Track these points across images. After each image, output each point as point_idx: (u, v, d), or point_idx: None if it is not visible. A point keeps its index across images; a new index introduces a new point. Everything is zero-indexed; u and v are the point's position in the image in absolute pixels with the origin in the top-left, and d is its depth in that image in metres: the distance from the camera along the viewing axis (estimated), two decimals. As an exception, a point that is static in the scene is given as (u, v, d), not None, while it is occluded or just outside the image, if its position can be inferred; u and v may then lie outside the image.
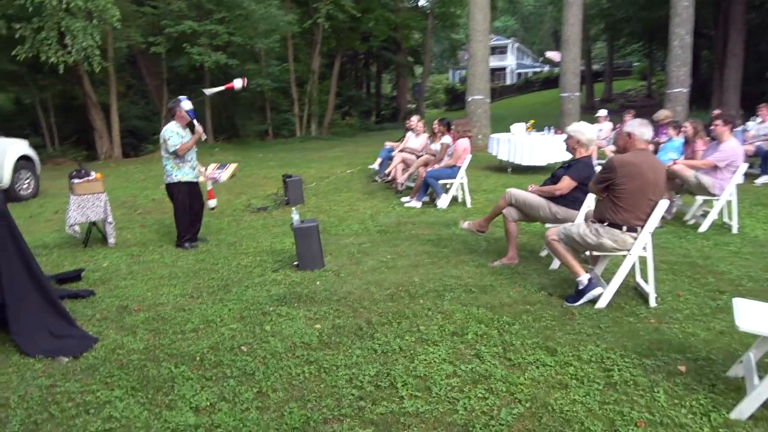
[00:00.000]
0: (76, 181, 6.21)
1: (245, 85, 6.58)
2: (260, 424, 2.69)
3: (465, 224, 5.32)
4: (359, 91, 30.45)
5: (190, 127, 6.15)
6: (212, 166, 11.84)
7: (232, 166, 11.68)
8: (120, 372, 3.26)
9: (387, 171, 9.08)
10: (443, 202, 7.64)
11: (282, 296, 4.39)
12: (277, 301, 4.29)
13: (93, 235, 6.56)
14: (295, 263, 5.14)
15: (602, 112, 11.94)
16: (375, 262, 5.22)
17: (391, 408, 2.75)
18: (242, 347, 3.51)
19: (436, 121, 8.33)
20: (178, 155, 5.95)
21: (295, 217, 5.17)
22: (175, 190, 6.09)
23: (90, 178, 6.29)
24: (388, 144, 10.29)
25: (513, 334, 3.51)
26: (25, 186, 9.60)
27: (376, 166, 10.15)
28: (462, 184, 7.78)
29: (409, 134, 9.63)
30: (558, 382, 2.93)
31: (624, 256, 3.86)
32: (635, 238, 3.77)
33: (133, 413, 2.82)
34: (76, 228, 6.17)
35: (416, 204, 7.79)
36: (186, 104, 6.00)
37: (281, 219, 7.41)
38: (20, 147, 9.69)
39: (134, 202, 9.10)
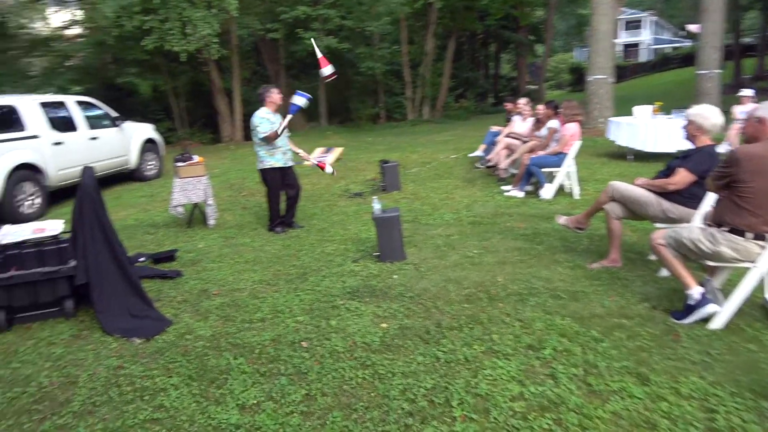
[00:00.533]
0: (179, 164, 6.50)
1: (330, 75, 6.45)
2: (300, 431, 2.54)
3: (562, 219, 4.80)
4: (476, 72, 29.57)
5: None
6: (318, 150, 12.08)
7: (337, 150, 11.81)
8: (183, 359, 3.27)
9: (489, 157, 8.60)
10: (547, 192, 7.05)
11: (355, 289, 4.22)
12: (350, 294, 4.13)
13: (196, 216, 6.86)
14: (376, 254, 4.95)
15: (747, 92, 10.36)
16: (459, 256, 4.89)
17: (439, 430, 2.46)
18: (303, 342, 3.39)
19: (542, 104, 7.69)
20: (267, 142, 5.99)
21: (376, 206, 4.97)
22: (267, 175, 6.15)
23: (193, 161, 6.56)
24: (494, 128, 9.76)
25: (599, 353, 3.04)
26: (149, 167, 10.37)
27: (480, 152, 9.69)
28: (569, 172, 7.12)
29: (515, 118, 9.03)
30: (645, 420, 2.46)
31: (748, 268, 3.20)
32: (763, 248, 3.10)
33: (183, 404, 2.80)
34: (180, 209, 6.48)
35: (518, 193, 7.28)
36: (298, 99, 5.92)
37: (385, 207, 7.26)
38: (146, 131, 10.47)
39: (242, 184, 9.44)
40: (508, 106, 9.72)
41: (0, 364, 3.34)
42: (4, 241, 4.46)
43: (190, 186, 6.47)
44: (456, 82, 23.87)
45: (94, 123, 9.21)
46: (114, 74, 18.78)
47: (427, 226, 6.11)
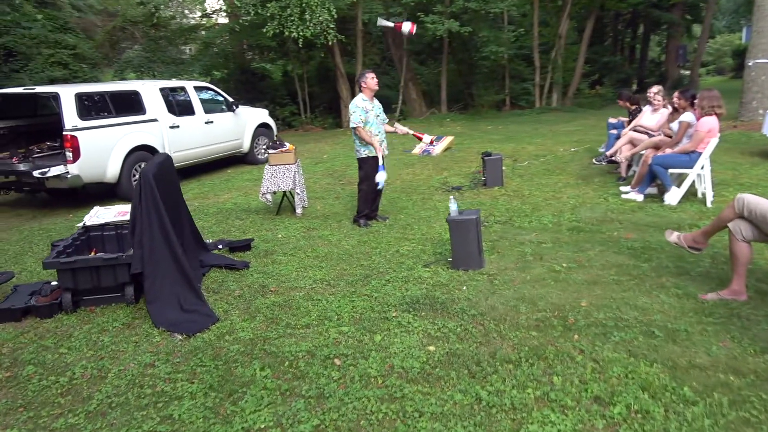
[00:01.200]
0: (270, 151, 6.48)
1: (412, 31, 6.04)
2: (294, 472, 2.22)
3: (673, 236, 3.96)
4: (617, 56, 27.09)
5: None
6: (427, 137, 11.67)
7: (447, 140, 11.34)
8: (211, 363, 3.11)
9: (609, 152, 7.61)
10: (673, 197, 6.04)
11: (415, 299, 3.81)
12: (407, 305, 3.73)
13: (285, 204, 6.83)
14: (450, 259, 4.48)
15: None
16: (545, 269, 4.26)
17: (447, 501, 2.01)
18: (336, 359, 3.07)
19: (676, 93, 6.58)
20: (357, 134, 5.72)
21: (453, 206, 4.49)
22: (362, 164, 5.90)
23: (284, 149, 6.50)
24: (613, 119, 8.68)
25: (687, 422, 2.36)
26: (262, 151, 10.67)
27: (605, 147, 8.67)
28: (701, 175, 6.03)
29: (646, 108, 7.91)
30: None
31: None
32: None
33: (191, 418, 2.62)
34: (268, 197, 6.47)
35: (636, 197, 6.33)
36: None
37: (471, 202, 6.73)
38: (260, 116, 10.77)
39: (344, 172, 9.35)
40: (622, 102, 8.47)
41: (52, 346, 3.43)
42: (90, 222, 4.66)
43: (280, 174, 6.42)
44: (593, 68, 22.00)
45: (211, 107, 9.62)
46: (250, 60, 19.79)
47: (520, 229, 5.48)
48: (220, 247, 5.28)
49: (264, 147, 10.68)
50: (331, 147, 12.49)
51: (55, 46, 16.53)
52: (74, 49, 16.91)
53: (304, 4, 10.97)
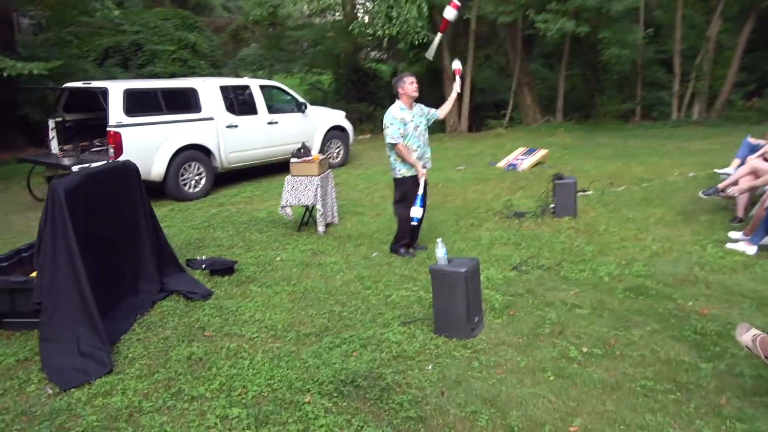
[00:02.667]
0: (293, 160, 5.79)
1: (456, 6, 4.99)
2: None
3: (745, 335, 2.57)
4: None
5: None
6: (518, 150, 10.34)
7: (539, 153, 9.93)
8: (47, 439, 2.44)
9: (721, 186, 5.88)
10: (798, 256, 4.38)
11: (353, 377, 2.86)
12: (337, 384, 2.80)
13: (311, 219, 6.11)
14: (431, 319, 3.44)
15: None
16: (554, 353, 3.07)
17: None
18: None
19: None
20: (395, 151, 4.83)
21: (439, 252, 3.42)
22: (397, 185, 5.00)
23: (307, 158, 5.78)
24: (753, 139, 6.83)
25: None
26: (333, 155, 10.09)
27: (731, 168, 6.85)
28: None
29: (785, 131, 6.04)
30: None
31: None
32: None
33: None
34: (288, 210, 5.78)
35: (747, 248, 4.71)
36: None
37: (526, 235, 5.51)
38: (335, 118, 10.18)
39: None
40: (752, 140, 6.69)
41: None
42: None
43: (301, 186, 5.71)
44: (750, 77, 18.73)
45: (279, 107, 9.20)
46: (360, 58, 19.49)
47: (562, 281, 4.23)
48: (203, 267, 4.68)
49: (336, 151, 10.10)
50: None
51: (178, 44, 17.45)
52: (194, 46, 17.74)
53: (391, 2, 10.21)
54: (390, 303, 3.90)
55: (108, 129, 6.87)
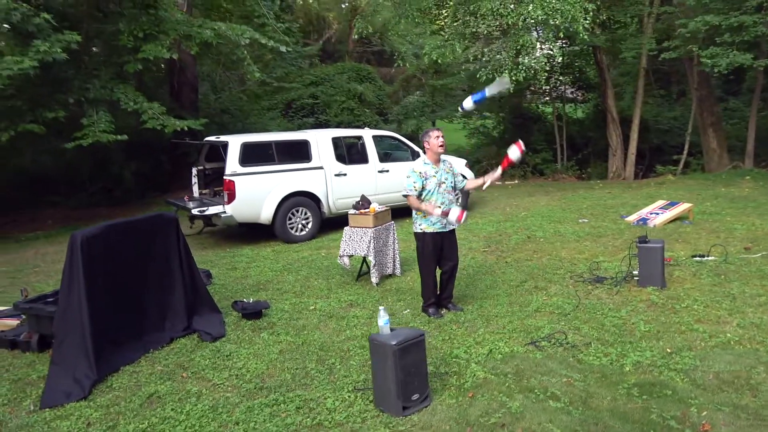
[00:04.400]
0: (351, 212, 6.00)
1: (521, 150, 4.66)
2: None
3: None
4: None
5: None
6: (657, 203, 9.12)
7: (681, 207, 8.69)
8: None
9: None
10: None
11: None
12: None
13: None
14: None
15: None
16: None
17: None
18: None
19: None
20: (410, 204, 4.83)
21: (381, 320, 3.28)
22: (418, 240, 4.98)
23: (365, 210, 5.94)
24: None
25: None
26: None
27: None
28: None
29: None
30: None
31: None
32: None
33: None
34: (346, 260, 5.97)
35: None
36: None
37: (585, 304, 4.92)
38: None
39: (515, 239, 7.99)
40: None
41: (-30, 384, 3.78)
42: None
43: (357, 236, 5.88)
44: None
45: (393, 156, 9.52)
46: (523, 100, 19.10)
47: (569, 364, 3.70)
48: (238, 310, 5.08)
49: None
50: (548, 202, 10.94)
51: (347, 94, 19.06)
52: (361, 96, 19.19)
53: (519, 46, 9.93)
54: (368, 365, 3.81)
55: (224, 177, 7.85)
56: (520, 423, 2.97)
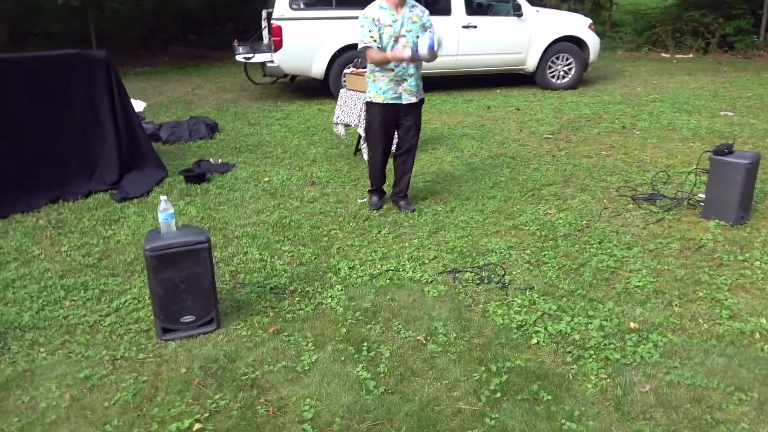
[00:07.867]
0: (347, 71, 4.89)
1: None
2: None
3: None
4: None
5: None
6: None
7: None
8: None
9: None
10: None
11: None
12: None
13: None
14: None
15: None
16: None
17: None
18: None
19: None
20: (368, 58, 3.63)
21: (161, 217, 2.40)
22: (366, 112, 3.84)
23: (364, 70, 4.76)
24: None
25: None
26: (561, 74, 8.05)
27: None
28: None
29: None
30: None
31: None
32: None
33: None
34: (341, 129, 5.00)
35: None
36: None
37: (590, 238, 3.50)
38: (569, 26, 7.92)
39: (622, 124, 6.14)
40: None
41: None
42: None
43: (350, 101, 4.83)
44: None
45: (486, 9, 7.73)
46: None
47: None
48: (181, 170, 4.50)
49: (564, 69, 8.09)
50: (702, 85, 8.29)
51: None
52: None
53: None
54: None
55: (272, 21, 7.01)
56: (275, 392, 2.06)
